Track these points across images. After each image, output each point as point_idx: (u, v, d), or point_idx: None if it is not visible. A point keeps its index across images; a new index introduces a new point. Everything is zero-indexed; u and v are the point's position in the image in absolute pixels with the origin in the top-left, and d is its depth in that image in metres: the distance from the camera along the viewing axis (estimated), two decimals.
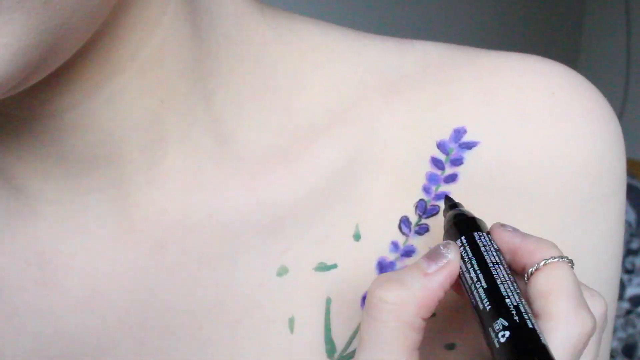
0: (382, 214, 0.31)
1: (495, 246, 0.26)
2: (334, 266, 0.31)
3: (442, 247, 0.26)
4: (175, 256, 0.31)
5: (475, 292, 0.25)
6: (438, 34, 1.48)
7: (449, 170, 0.31)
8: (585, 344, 0.24)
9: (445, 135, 0.31)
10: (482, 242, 0.26)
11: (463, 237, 0.26)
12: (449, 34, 1.51)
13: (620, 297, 1.43)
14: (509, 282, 0.24)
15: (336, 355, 0.30)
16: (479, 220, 0.27)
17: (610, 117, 0.31)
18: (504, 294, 0.24)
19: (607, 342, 0.34)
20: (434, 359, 0.30)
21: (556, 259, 0.25)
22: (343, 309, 0.30)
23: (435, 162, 0.31)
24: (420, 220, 0.31)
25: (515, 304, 0.23)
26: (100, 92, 0.27)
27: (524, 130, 0.30)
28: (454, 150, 0.31)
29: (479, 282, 0.25)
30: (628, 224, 1.58)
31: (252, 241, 0.31)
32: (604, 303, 0.25)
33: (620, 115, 1.86)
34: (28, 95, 0.25)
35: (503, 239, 0.26)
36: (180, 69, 0.29)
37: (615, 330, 1.38)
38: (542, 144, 0.30)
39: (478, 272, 0.25)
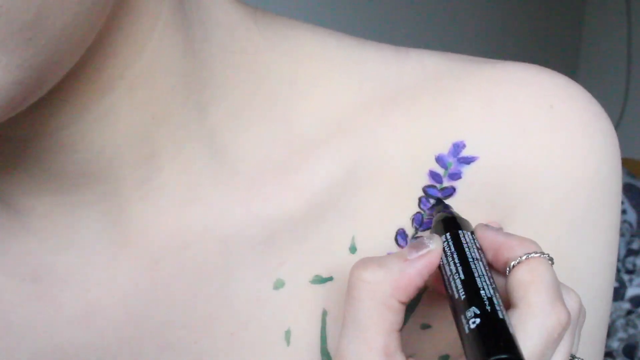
0: (379, 227, 0.31)
1: (477, 244, 0.27)
2: (330, 279, 0.31)
3: (425, 239, 0.27)
4: (171, 270, 0.31)
5: (452, 283, 0.26)
6: (439, 34, 1.48)
7: (446, 184, 0.31)
8: (560, 335, 0.25)
9: (444, 149, 0.31)
10: (465, 239, 0.27)
11: (448, 234, 0.27)
12: (449, 35, 1.51)
13: (621, 297, 1.43)
14: (486, 277, 0.26)
15: None
16: (465, 220, 0.29)
17: (607, 129, 0.31)
18: (480, 285, 0.25)
19: (598, 341, 0.34)
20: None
21: (538, 254, 0.26)
22: (339, 320, 0.30)
23: (434, 175, 0.31)
24: (416, 232, 0.31)
25: (489, 295, 0.25)
26: (89, 112, 0.27)
27: (522, 143, 0.30)
28: (452, 165, 0.31)
29: (457, 274, 0.26)
30: (629, 224, 1.58)
31: (248, 255, 0.31)
32: (578, 299, 0.26)
33: (621, 116, 1.86)
34: (17, 118, 0.25)
35: (487, 237, 0.27)
36: (172, 83, 0.28)
37: (615, 330, 1.38)
38: (540, 157, 0.30)
39: (458, 265, 0.26)
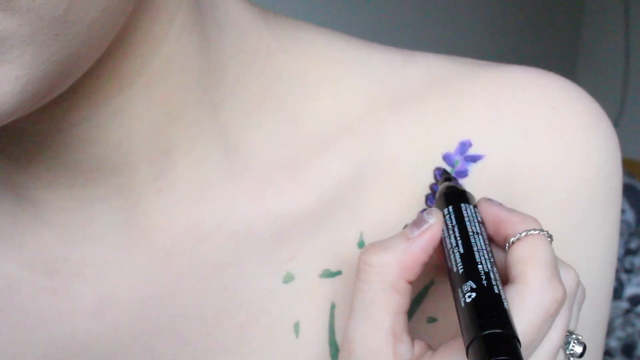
0: (386, 223, 0.31)
1: (479, 218, 0.28)
2: (339, 273, 0.31)
3: (425, 214, 0.27)
4: (184, 264, 0.32)
5: (452, 256, 0.26)
6: (437, 33, 1.49)
7: None
8: (556, 311, 0.25)
9: (451, 147, 0.31)
10: (467, 213, 0.27)
11: (450, 207, 0.28)
12: (447, 34, 1.51)
13: (619, 296, 1.43)
14: (485, 251, 0.26)
15: None
16: (469, 193, 0.29)
17: (608, 130, 0.32)
18: (477, 260, 0.25)
19: (599, 339, 0.34)
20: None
21: (537, 231, 0.26)
22: (347, 313, 0.31)
23: (441, 173, 0.31)
24: None
25: (486, 270, 0.25)
26: (107, 107, 0.28)
27: (526, 144, 0.31)
28: (459, 163, 0.31)
29: (456, 248, 0.26)
30: (627, 223, 1.58)
31: (258, 250, 0.32)
32: (576, 275, 0.27)
33: (619, 115, 1.87)
34: (36, 112, 0.26)
35: (489, 212, 0.28)
36: (187, 81, 0.29)
37: (614, 329, 1.38)
38: (543, 157, 0.31)
39: (458, 238, 0.26)
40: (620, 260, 1.50)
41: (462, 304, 0.24)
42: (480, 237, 0.26)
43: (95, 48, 0.24)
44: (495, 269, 0.25)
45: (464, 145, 0.31)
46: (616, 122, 1.85)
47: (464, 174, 0.31)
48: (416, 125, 0.32)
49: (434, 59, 0.33)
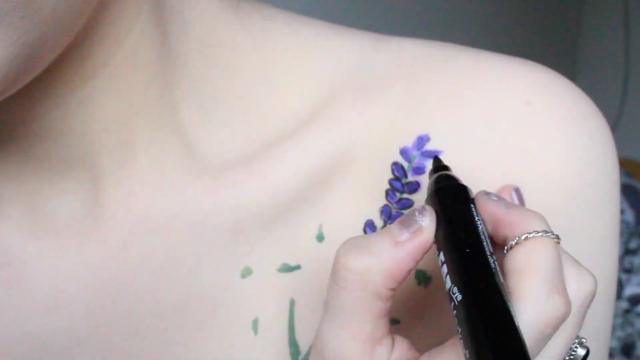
0: (347, 217, 0.30)
1: (477, 218, 0.24)
2: (297, 267, 0.30)
3: (417, 213, 0.24)
4: (140, 256, 0.31)
5: (449, 276, 0.23)
6: (436, 32, 1.48)
7: (411, 178, 0.30)
8: (554, 328, 0.22)
9: (409, 142, 0.30)
10: (463, 215, 0.24)
11: (447, 206, 0.24)
12: (446, 33, 1.51)
13: (619, 296, 1.43)
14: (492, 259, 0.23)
15: (300, 357, 0.30)
16: (468, 188, 0.25)
17: (596, 129, 0.29)
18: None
19: (602, 335, 0.33)
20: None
21: (539, 234, 0.23)
22: (307, 310, 0.30)
23: (398, 169, 0.30)
24: (385, 225, 0.30)
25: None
26: (73, 97, 0.28)
27: (490, 141, 0.29)
28: (416, 158, 0.30)
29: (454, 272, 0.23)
30: (626, 223, 1.58)
31: (215, 242, 0.31)
32: (592, 281, 0.24)
33: (619, 115, 1.87)
34: (5, 103, 0.26)
35: (487, 210, 0.24)
36: (150, 74, 0.29)
37: (613, 329, 1.38)
38: (509, 157, 0.29)
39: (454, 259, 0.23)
40: (620, 260, 1.50)
41: (465, 323, 0.21)
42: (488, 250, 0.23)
43: (62, 33, 0.24)
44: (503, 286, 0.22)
45: (422, 140, 0.29)
46: (616, 122, 1.85)
47: (421, 170, 0.29)
48: (378, 117, 0.30)
49: (408, 44, 0.31)
